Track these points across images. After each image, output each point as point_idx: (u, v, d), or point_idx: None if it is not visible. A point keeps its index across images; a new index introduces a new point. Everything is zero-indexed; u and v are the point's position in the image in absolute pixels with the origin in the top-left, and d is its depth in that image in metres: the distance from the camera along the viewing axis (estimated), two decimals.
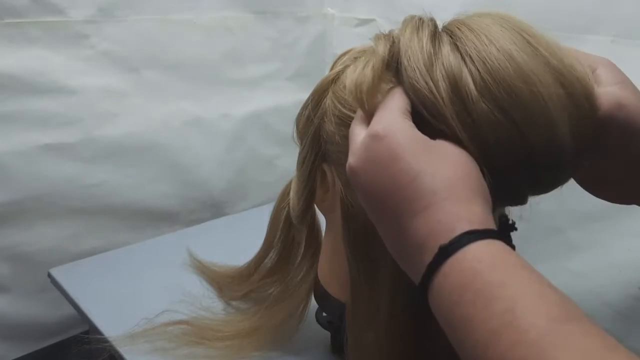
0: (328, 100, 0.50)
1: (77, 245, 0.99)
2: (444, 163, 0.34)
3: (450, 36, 0.40)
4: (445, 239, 0.31)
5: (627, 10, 0.77)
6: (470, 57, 0.37)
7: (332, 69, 0.53)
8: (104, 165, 1.00)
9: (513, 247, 0.33)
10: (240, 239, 0.96)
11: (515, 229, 0.39)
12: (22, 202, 0.92)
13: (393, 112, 0.37)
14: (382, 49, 0.41)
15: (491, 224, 0.33)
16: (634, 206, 0.85)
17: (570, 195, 0.89)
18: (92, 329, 0.77)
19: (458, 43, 0.39)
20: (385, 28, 1.09)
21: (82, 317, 0.79)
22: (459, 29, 0.40)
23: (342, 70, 0.50)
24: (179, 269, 0.88)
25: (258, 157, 1.23)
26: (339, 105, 0.48)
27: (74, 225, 0.99)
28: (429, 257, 0.31)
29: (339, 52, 0.56)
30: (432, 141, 0.36)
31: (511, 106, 0.36)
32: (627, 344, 0.91)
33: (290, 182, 0.64)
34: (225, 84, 1.13)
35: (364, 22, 1.18)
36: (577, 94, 0.38)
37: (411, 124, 0.37)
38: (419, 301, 0.33)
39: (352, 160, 0.37)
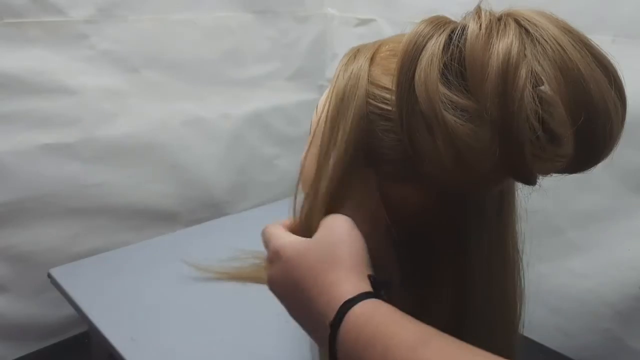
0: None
1: (77, 245, 0.99)
2: (308, 261, 0.43)
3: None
4: (330, 318, 0.39)
5: (627, 11, 0.77)
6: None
7: (346, 64, 0.48)
8: (104, 165, 1.00)
9: (383, 299, 0.40)
10: (240, 239, 0.96)
11: (387, 285, 0.44)
12: (22, 202, 0.92)
13: (278, 234, 0.48)
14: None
15: (358, 288, 0.40)
16: (634, 206, 0.85)
17: (570, 195, 0.89)
18: (92, 329, 0.77)
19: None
20: (385, 28, 1.11)
21: (82, 317, 0.79)
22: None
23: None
24: (178, 268, 0.88)
25: (258, 157, 1.23)
26: (377, 102, 0.44)
27: (74, 225, 0.99)
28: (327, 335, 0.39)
29: (339, 52, 0.55)
30: (300, 244, 0.45)
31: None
32: (627, 344, 0.91)
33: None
34: (225, 84, 1.14)
35: (364, 22, 1.18)
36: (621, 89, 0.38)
37: (290, 238, 0.47)
38: None
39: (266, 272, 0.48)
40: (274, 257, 0.46)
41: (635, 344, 0.82)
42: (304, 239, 0.46)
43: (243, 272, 0.89)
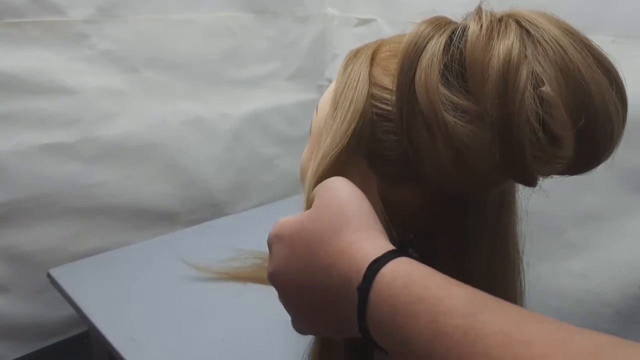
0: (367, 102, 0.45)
1: (77, 245, 0.99)
2: (315, 229, 0.38)
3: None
4: (356, 283, 0.34)
5: (627, 11, 0.77)
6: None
7: (348, 65, 0.48)
8: (104, 165, 1.00)
9: (415, 257, 0.36)
10: (240, 239, 0.96)
11: (413, 242, 0.40)
12: (22, 202, 0.92)
13: (275, 223, 0.42)
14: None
15: (383, 247, 0.35)
16: (634, 206, 0.85)
17: (570, 196, 0.89)
18: (92, 329, 0.77)
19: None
20: (385, 28, 1.11)
21: (82, 317, 0.79)
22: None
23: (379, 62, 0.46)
24: (178, 269, 0.88)
25: (258, 157, 1.23)
26: (377, 103, 0.44)
27: (74, 225, 0.99)
28: (354, 304, 0.34)
29: (339, 52, 0.54)
30: (301, 217, 0.40)
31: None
32: None
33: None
34: (225, 84, 1.13)
35: (364, 22, 1.18)
36: (622, 90, 0.38)
37: (286, 217, 0.42)
38: (367, 344, 0.35)
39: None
40: (274, 240, 0.42)
41: None
42: (303, 212, 0.41)
43: (243, 272, 0.89)
